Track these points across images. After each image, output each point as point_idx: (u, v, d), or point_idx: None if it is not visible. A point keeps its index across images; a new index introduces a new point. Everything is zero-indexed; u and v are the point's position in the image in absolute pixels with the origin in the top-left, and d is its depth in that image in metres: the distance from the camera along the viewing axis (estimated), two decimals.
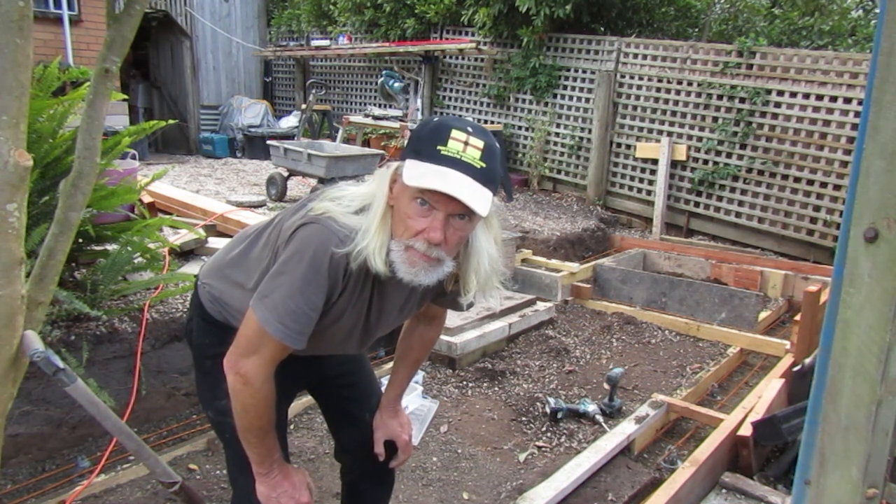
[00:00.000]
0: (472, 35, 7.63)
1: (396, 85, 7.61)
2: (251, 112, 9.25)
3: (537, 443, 2.87)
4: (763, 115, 5.74)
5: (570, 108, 7.01)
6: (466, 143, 1.20)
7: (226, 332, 1.45)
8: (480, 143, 1.21)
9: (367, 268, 1.26)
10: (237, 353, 1.31)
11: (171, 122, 3.40)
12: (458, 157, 1.18)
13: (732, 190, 6.00)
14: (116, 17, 1.45)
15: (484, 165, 1.20)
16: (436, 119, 1.25)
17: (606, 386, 3.16)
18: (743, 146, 5.89)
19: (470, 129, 1.22)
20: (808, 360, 3.04)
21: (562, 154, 7.11)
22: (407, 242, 1.23)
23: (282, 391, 1.39)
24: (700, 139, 6.12)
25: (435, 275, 1.27)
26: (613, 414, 3.10)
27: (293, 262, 1.25)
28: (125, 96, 3.74)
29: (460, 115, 7.92)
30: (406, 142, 1.27)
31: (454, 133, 1.20)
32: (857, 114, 5.19)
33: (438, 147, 1.18)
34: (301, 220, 1.28)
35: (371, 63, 8.92)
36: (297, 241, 1.26)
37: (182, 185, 6.12)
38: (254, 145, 8.64)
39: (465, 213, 1.21)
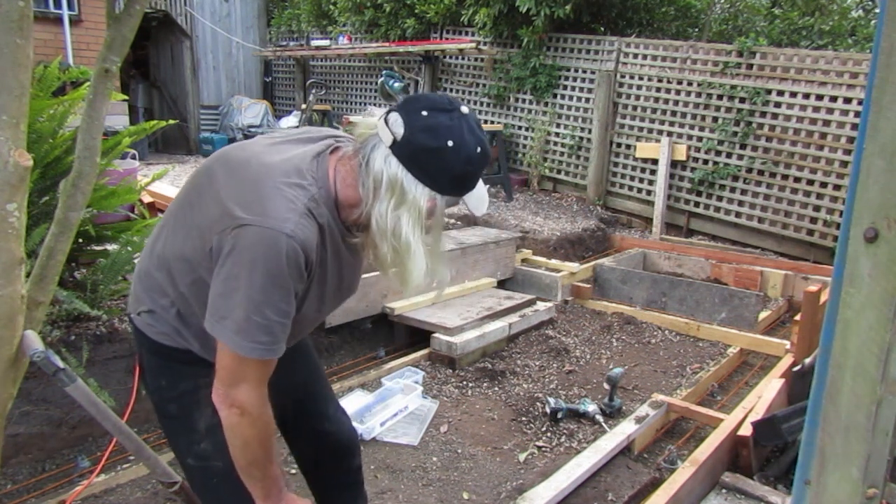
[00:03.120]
0: (472, 35, 7.63)
1: (396, 85, 7.61)
2: (251, 112, 9.25)
3: (537, 443, 2.87)
4: (763, 115, 5.74)
5: (570, 108, 7.01)
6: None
7: (182, 364, 1.35)
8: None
9: (331, 240, 1.25)
10: (224, 386, 1.21)
11: (171, 122, 3.41)
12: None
13: (732, 190, 6.00)
14: (116, 17, 1.45)
15: None
16: (454, 146, 1.19)
17: (606, 386, 3.16)
18: (743, 146, 5.89)
19: (483, 157, 1.24)
20: (808, 360, 3.03)
21: (562, 154, 7.11)
22: None
23: None
24: (700, 139, 6.12)
25: None
26: (613, 414, 3.10)
27: (244, 275, 1.14)
28: (125, 96, 3.75)
29: None
30: (430, 170, 1.21)
31: (478, 177, 1.27)
32: (857, 114, 5.19)
33: (474, 187, 1.28)
34: (239, 221, 1.17)
35: (371, 63, 8.92)
36: (241, 249, 1.15)
37: (182, 185, 6.11)
38: None
39: None
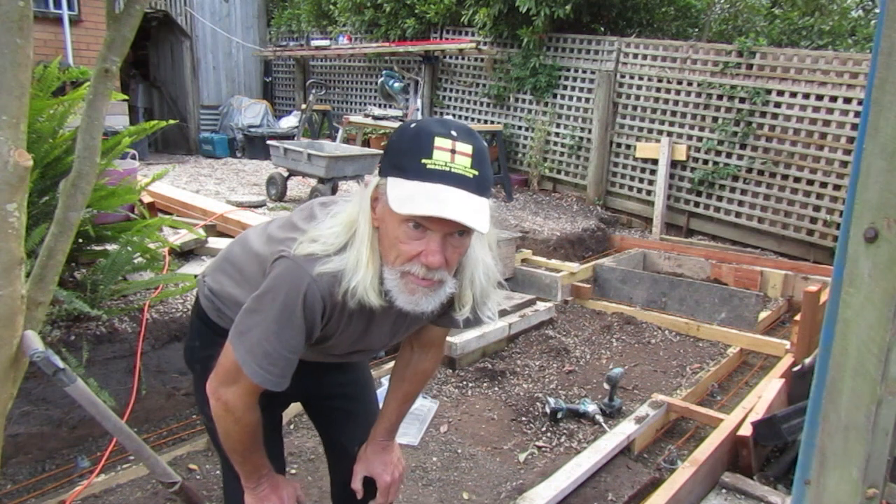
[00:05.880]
0: (472, 35, 7.63)
1: (396, 85, 7.62)
2: (251, 112, 9.25)
3: (537, 443, 2.87)
4: (763, 115, 5.74)
5: (569, 108, 7.01)
6: (453, 151, 1.06)
7: (217, 334, 1.41)
8: (469, 148, 1.07)
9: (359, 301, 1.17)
10: (217, 381, 1.27)
11: (171, 122, 3.40)
12: (448, 169, 1.05)
13: (732, 190, 6.00)
14: (116, 17, 1.44)
15: (476, 173, 1.07)
16: (413, 125, 1.10)
17: (606, 386, 3.16)
18: (743, 146, 5.89)
19: (454, 132, 1.07)
20: (808, 360, 3.04)
21: (562, 154, 7.11)
22: (402, 269, 1.12)
23: (275, 400, 1.34)
24: (700, 139, 6.12)
25: (437, 298, 1.16)
26: (613, 414, 3.10)
27: (268, 300, 1.18)
28: (125, 96, 3.74)
29: (460, 116, 7.92)
30: (383, 153, 1.15)
31: (438, 141, 1.05)
32: (857, 114, 5.19)
33: (423, 161, 1.04)
34: (280, 252, 1.20)
35: (371, 63, 8.92)
36: (273, 276, 1.19)
37: (182, 185, 6.12)
38: (254, 145, 8.63)
39: (464, 230, 1.10)
